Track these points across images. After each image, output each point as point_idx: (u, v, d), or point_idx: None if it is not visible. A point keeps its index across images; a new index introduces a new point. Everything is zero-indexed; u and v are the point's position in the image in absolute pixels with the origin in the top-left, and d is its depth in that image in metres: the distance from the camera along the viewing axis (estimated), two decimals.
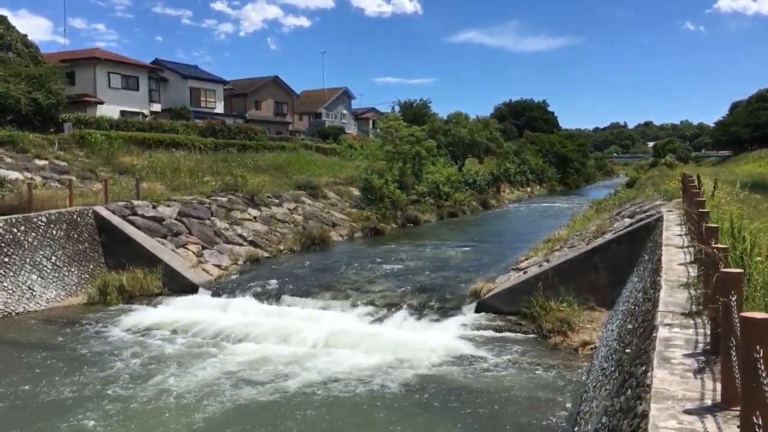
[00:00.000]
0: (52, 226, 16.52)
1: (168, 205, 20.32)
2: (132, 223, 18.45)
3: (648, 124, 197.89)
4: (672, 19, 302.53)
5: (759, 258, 6.53)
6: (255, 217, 23.07)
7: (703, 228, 7.20)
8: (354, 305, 14.40)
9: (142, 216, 19.02)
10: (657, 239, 11.57)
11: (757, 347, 3.04)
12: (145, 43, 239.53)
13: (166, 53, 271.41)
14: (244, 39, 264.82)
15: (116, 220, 18.17)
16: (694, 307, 6.44)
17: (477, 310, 13.74)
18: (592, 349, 11.03)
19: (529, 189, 57.99)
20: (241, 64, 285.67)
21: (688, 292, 7.05)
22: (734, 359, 3.77)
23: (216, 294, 16.13)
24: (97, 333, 13.34)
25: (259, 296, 15.56)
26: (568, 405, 8.99)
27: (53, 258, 16.21)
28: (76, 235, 17.11)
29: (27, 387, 10.08)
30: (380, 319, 13.55)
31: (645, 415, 4.09)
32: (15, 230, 15.54)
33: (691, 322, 6.03)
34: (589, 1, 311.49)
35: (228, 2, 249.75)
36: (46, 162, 22.63)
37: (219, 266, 18.39)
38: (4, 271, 14.88)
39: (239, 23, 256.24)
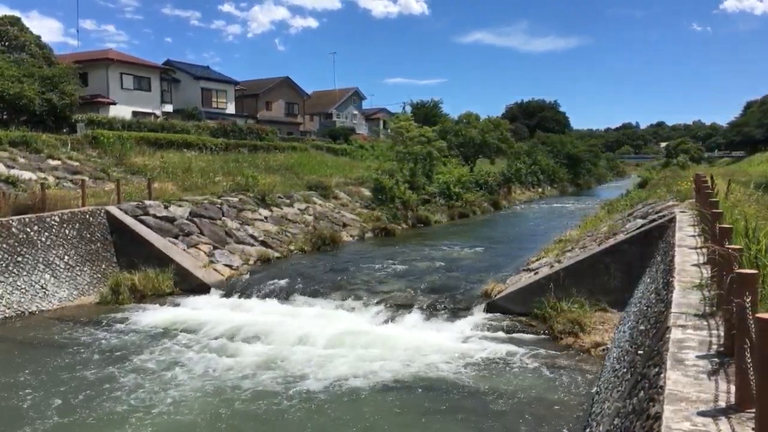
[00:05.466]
0: (64, 225, 16.65)
1: (179, 205, 20.42)
2: (144, 223, 18.56)
3: (660, 125, 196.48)
4: (682, 19, 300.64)
5: None
6: (266, 218, 23.13)
7: (716, 229, 7.14)
8: (365, 305, 14.41)
9: (154, 216, 19.12)
10: (670, 240, 11.49)
11: None
12: (155, 44, 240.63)
13: (176, 54, 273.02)
14: (252, 40, 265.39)
15: (128, 220, 18.28)
16: (707, 308, 6.38)
17: (487, 311, 13.70)
18: (603, 350, 10.96)
19: (540, 190, 57.79)
20: (250, 64, 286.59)
21: (701, 293, 6.99)
22: (749, 360, 3.74)
23: (227, 294, 16.20)
24: (110, 332, 13.42)
25: (270, 296, 15.60)
26: (580, 406, 8.94)
27: (66, 257, 16.33)
28: (88, 235, 17.23)
29: (42, 384, 10.16)
30: (391, 320, 13.54)
31: (658, 417, 4.06)
32: (28, 230, 15.67)
33: (705, 323, 5.98)
34: (599, 0, 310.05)
35: (235, 4, 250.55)
36: (59, 162, 22.81)
37: (230, 266, 18.46)
38: (18, 271, 15.01)
39: (247, 24, 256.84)
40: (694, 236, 10.95)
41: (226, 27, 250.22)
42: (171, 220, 19.39)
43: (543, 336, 12.29)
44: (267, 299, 15.48)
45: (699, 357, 5.03)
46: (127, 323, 14.03)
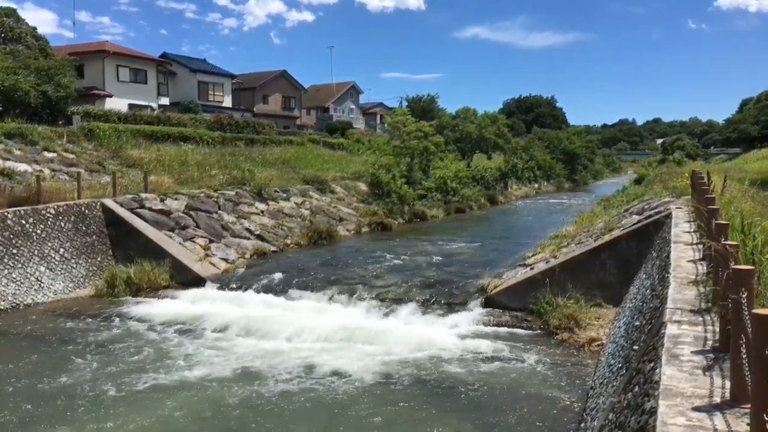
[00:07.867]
0: (60, 218, 16.59)
1: (176, 199, 20.37)
2: (140, 216, 18.51)
3: (657, 121, 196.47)
4: (680, 16, 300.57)
5: None
6: (262, 211, 23.10)
7: (713, 225, 7.15)
8: (360, 300, 14.40)
9: (150, 209, 19.07)
10: (666, 236, 11.51)
11: None
12: (150, 37, 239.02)
13: (172, 47, 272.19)
14: (248, 33, 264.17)
15: (124, 213, 18.23)
16: (703, 304, 6.40)
17: (484, 306, 13.71)
18: (599, 345, 10.99)
19: (536, 185, 57.81)
20: (246, 58, 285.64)
21: (696, 289, 7.00)
22: (744, 356, 3.75)
23: (223, 287, 16.16)
24: (105, 325, 13.40)
25: (266, 290, 15.58)
26: (575, 401, 8.97)
27: (61, 250, 16.28)
28: (84, 228, 17.17)
29: (36, 377, 10.14)
30: (386, 314, 13.54)
31: (653, 412, 4.07)
32: (24, 222, 15.61)
33: (700, 319, 5.99)
34: None
35: None
36: (55, 154, 22.72)
37: (226, 260, 18.43)
38: (13, 263, 14.97)
39: (243, 17, 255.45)
40: (690, 232, 10.97)
41: (221, 20, 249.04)
42: (167, 213, 19.34)
43: (539, 331, 12.32)
44: (262, 293, 15.46)
45: (694, 352, 5.05)
46: (121, 316, 14.00)
